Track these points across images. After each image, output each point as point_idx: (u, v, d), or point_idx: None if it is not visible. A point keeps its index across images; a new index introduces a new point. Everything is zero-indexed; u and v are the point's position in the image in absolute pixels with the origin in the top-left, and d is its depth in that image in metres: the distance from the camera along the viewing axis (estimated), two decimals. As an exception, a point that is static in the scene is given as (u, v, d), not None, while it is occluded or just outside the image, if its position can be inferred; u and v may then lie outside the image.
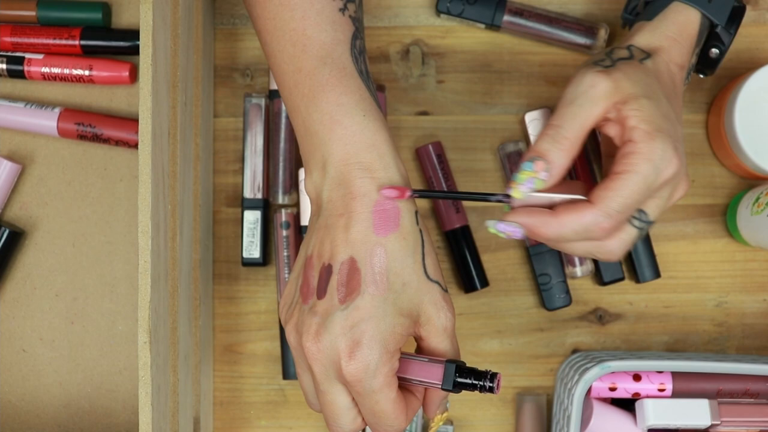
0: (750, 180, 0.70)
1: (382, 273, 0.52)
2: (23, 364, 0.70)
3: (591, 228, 0.53)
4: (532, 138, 0.69)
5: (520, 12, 0.69)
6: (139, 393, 0.54)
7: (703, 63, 0.63)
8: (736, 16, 0.61)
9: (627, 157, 0.53)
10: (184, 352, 0.62)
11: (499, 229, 0.54)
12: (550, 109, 0.69)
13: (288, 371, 0.69)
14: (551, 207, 0.54)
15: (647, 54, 0.57)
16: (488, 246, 0.71)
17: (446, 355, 0.54)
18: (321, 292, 0.53)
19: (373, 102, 0.55)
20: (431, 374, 0.53)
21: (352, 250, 0.52)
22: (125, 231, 0.70)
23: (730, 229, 0.70)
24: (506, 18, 0.69)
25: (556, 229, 0.53)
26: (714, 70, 0.64)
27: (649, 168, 0.52)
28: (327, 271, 0.53)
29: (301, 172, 0.68)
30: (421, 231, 0.54)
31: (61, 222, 0.70)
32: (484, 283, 0.70)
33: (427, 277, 0.54)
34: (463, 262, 0.69)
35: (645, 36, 0.58)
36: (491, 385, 0.53)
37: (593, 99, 0.54)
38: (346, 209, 0.53)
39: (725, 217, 0.70)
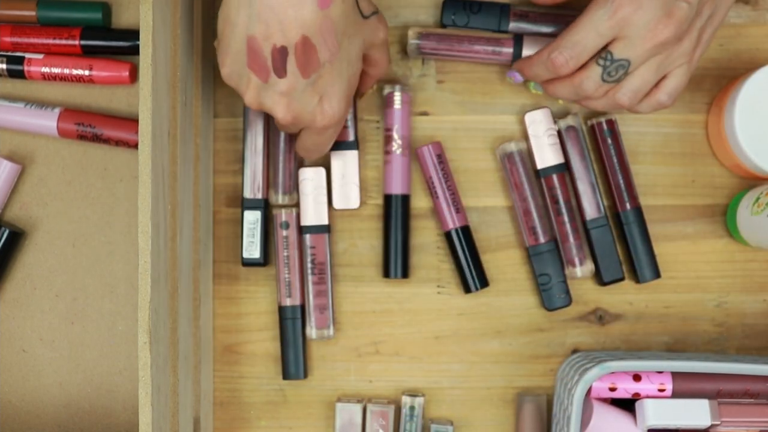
0: (750, 180, 0.70)
1: (333, 41, 0.56)
2: (23, 364, 0.70)
3: (549, 63, 0.60)
4: (532, 138, 0.69)
5: (525, 15, 0.68)
6: (139, 393, 0.54)
7: None
8: None
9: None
10: (184, 352, 0.62)
11: (508, 75, 0.68)
12: (550, 109, 0.69)
13: (288, 371, 0.69)
14: None
15: None
16: (488, 246, 0.71)
17: (381, 62, 0.63)
18: (280, 72, 0.56)
19: None
20: None
21: (303, 30, 0.54)
22: (125, 231, 0.70)
23: (730, 229, 0.70)
24: (512, 24, 0.69)
25: (528, 66, 0.63)
26: None
27: (596, 8, 0.58)
28: (281, 53, 0.55)
29: (302, 171, 0.69)
30: None
31: (61, 222, 0.70)
32: (484, 283, 0.70)
33: (364, 17, 0.59)
34: (464, 262, 0.69)
35: None
36: None
37: None
38: None
39: (725, 217, 0.70)
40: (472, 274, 0.69)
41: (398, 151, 0.69)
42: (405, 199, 0.70)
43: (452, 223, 0.69)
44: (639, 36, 0.57)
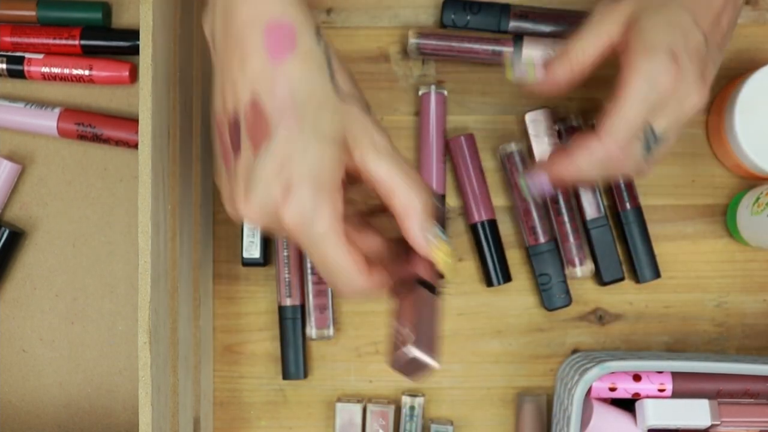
0: (750, 180, 0.70)
1: (289, 103, 0.46)
2: (23, 364, 0.70)
3: (605, 160, 0.54)
4: (532, 138, 0.69)
5: (525, 14, 0.69)
6: (139, 393, 0.54)
7: None
8: None
9: (622, 77, 0.53)
10: (184, 352, 0.62)
11: (528, 184, 0.57)
12: (550, 109, 0.69)
13: (288, 371, 0.69)
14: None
15: None
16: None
17: (387, 176, 0.47)
18: (236, 148, 0.47)
19: None
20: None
21: (251, 87, 0.46)
22: (125, 231, 0.70)
23: (730, 229, 0.70)
24: (512, 23, 0.69)
25: (574, 167, 0.55)
26: None
27: (641, 83, 0.53)
28: (235, 123, 0.47)
29: None
30: (325, 46, 0.48)
31: (61, 222, 0.70)
32: (507, 278, 0.70)
33: (340, 96, 0.48)
34: (488, 256, 0.69)
35: None
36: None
37: (598, 25, 0.55)
38: (237, 42, 0.47)
39: (725, 217, 0.70)
40: (496, 268, 0.69)
41: (434, 152, 0.69)
42: (441, 198, 0.69)
43: (479, 215, 0.69)
44: (681, 109, 0.54)
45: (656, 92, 0.53)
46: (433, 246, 0.48)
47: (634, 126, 0.53)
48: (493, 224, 0.69)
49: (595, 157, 0.55)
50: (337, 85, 0.48)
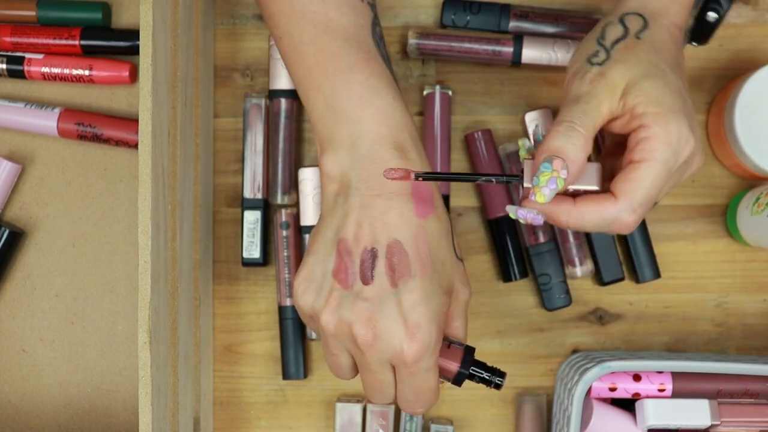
0: (750, 180, 0.70)
1: (427, 254, 0.53)
2: (23, 364, 0.70)
3: (613, 221, 0.53)
4: (532, 138, 0.69)
5: (525, 15, 0.68)
6: (139, 393, 0.54)
7: (699, 28, 0.59)
8: None
9: (643, 143, 0.52)
10: (184, 352, 0.62)
11: (520, 215, 0.53)
12: (550, 109, 0.69)
13: (288, 371, 0.69)
14: (574, 195, 0.54)
15: (644, 21, 0.55)
16: (489, 245, 0.71)
17: (460, 329, 0.57)
18: (366, 278, 0.52)
19: (397, 87, 0.56)
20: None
21: (396, 233, 0.52)
22: (125, 231, 0.70)
23: (730, 229, 0.70)
24: (512, 23, 0.69)
25: (576, 220, 0.53)
26: (708, 40, 0.58)
27: (668, 152, 0.51)
28: (371, 255, 0.52)
29: (302, 171, 0.68)
30: (448, 215, 0.56)
31: (61, 222, 0.70)
32: (524, 273, 0.70)
33: (457, 256, 0.56)
34: (509, 252, 0.69)
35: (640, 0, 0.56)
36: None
37: (598, 99, 0.53)
38: (383, 189, 0.53)
39: (725, 217, 0.70)
40: (515, 263, 0.69)
41: (440, 152, 0.69)
42: (445, 199, 0.69)
43: (499, 210, 0.69)
44: (689, 171, 0.55)
45: (678, 159, 0.52)
46: None
47: (653, 195, 0.52)
48: (510, 219, 0.69)
49: (604, 217, 0.53)
50: (455, 247, 0.56)
